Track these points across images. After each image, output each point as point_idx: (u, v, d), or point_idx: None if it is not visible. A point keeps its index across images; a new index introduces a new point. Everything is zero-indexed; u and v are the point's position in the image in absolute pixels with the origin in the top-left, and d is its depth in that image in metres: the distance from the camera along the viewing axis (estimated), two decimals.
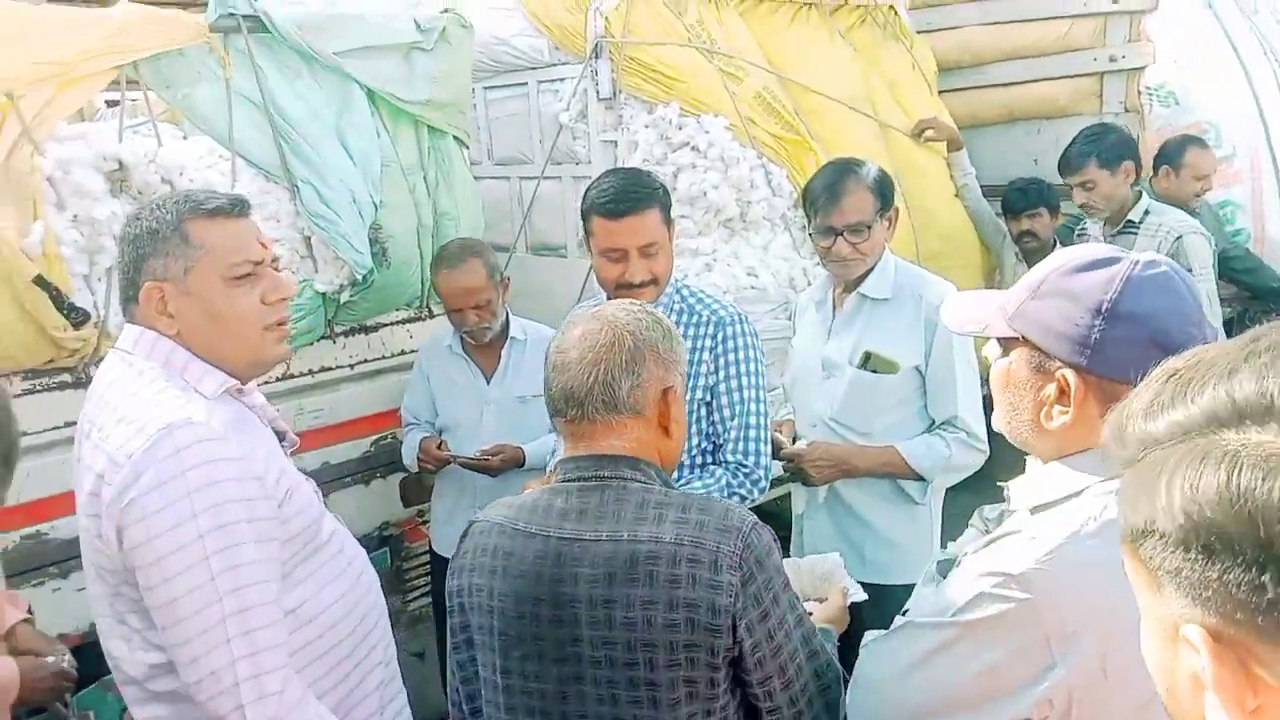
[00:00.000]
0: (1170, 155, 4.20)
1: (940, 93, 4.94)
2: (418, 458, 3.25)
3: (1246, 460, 0.65)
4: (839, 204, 2.68)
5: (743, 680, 1.51)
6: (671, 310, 2.56)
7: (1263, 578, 0.63)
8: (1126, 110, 4.64)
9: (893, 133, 4.47)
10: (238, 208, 1.74)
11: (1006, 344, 1.45)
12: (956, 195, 4.61)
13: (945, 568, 1.55)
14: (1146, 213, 3.89)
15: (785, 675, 1.52)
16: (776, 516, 3.11)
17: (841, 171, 2.75)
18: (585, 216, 2.51)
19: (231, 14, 3.10)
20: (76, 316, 2.74)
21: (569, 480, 1.59)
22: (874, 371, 2.71)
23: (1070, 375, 1.35)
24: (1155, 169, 4.24)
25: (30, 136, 2.65)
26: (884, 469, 2.72)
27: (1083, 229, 4.22)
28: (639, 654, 1.47)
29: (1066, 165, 4.04)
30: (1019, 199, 4.42)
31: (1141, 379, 1.24)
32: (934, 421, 2.73)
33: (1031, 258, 4.54)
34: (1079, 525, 1.30)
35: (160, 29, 2.97)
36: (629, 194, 2.44)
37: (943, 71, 5.00)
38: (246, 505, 1.57)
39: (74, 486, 1.71)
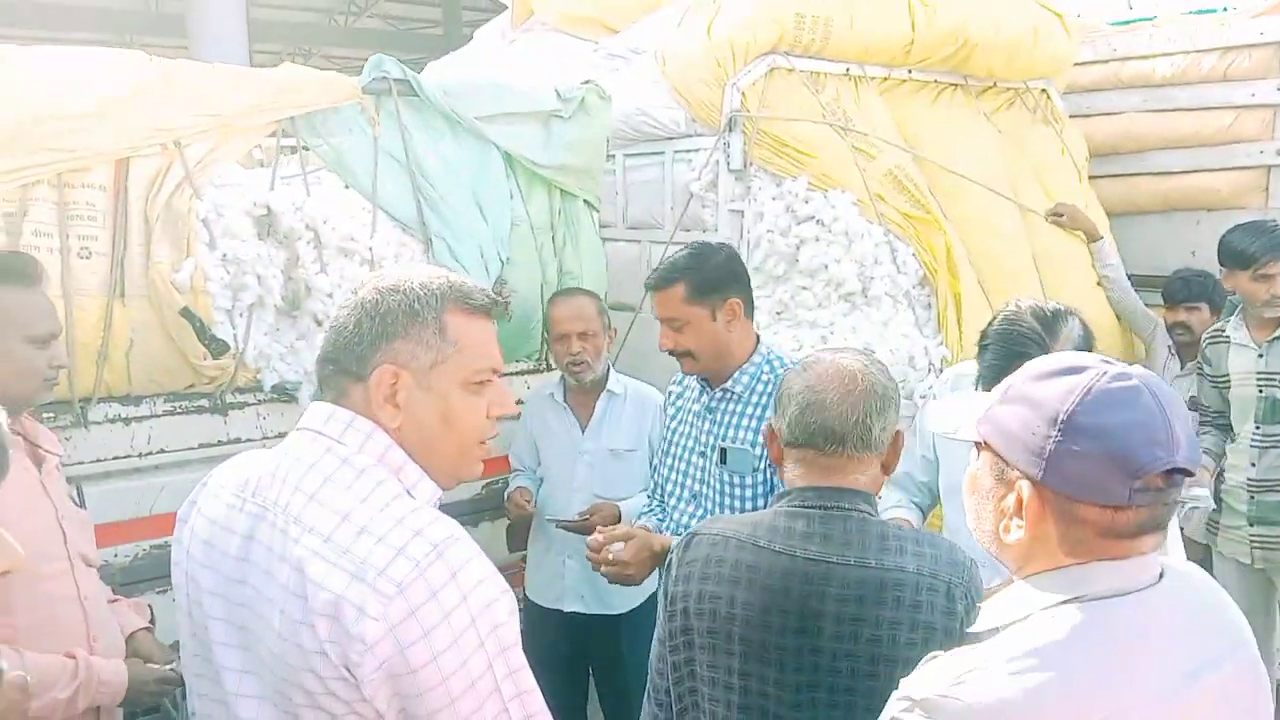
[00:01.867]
0: None
1: (1096, 178, 4.78)
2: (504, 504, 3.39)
3: None
4: None
5: None
6: (759, 380, 2.61)
7: None
8: None
9: (1033, 217, 4.36)
10: (495, 309, 1.60)
11: (979, 448, 1.37)
12: (1098, 284, 4.44)
13: None
14: None
15: None
16: None
17: (1027, 342, 2.27)
18: None
19: (384, 77, 3.36)
20: (217, 347, 2.99)
21: (809, 507, 1.79)
22: None
23: (1026, 487, 1.26)
24: None
25: (191, 181, 2.93)
26: None
27: (1219, 333, 3.84)
28: (880, 667, 1.67)
29: (1252, 254, 3.54)
30: (1180, 289, 4.23)
31: (1100, 497, 1.18)
32: None
33: (1184, 351, 4.31)
34: (993, 654, 1.22)
35: (318, 89, 3.24)
36: (660, 270, 2.63)
37: (1100, 157, 4.84)
38: (513, 627, 1.44)
39: (219, 548, 1.52)
